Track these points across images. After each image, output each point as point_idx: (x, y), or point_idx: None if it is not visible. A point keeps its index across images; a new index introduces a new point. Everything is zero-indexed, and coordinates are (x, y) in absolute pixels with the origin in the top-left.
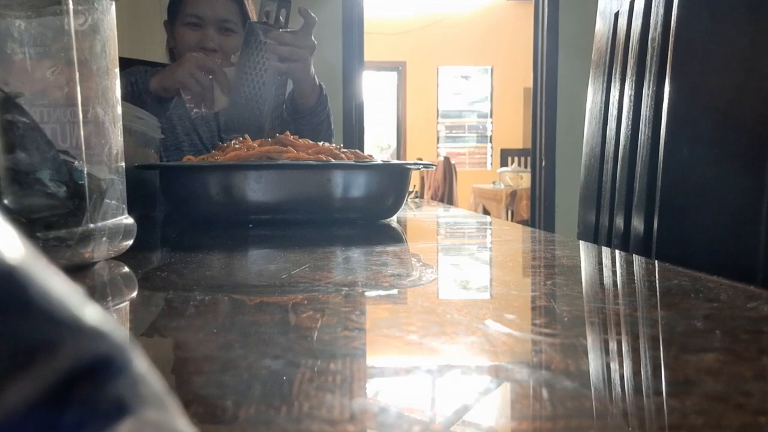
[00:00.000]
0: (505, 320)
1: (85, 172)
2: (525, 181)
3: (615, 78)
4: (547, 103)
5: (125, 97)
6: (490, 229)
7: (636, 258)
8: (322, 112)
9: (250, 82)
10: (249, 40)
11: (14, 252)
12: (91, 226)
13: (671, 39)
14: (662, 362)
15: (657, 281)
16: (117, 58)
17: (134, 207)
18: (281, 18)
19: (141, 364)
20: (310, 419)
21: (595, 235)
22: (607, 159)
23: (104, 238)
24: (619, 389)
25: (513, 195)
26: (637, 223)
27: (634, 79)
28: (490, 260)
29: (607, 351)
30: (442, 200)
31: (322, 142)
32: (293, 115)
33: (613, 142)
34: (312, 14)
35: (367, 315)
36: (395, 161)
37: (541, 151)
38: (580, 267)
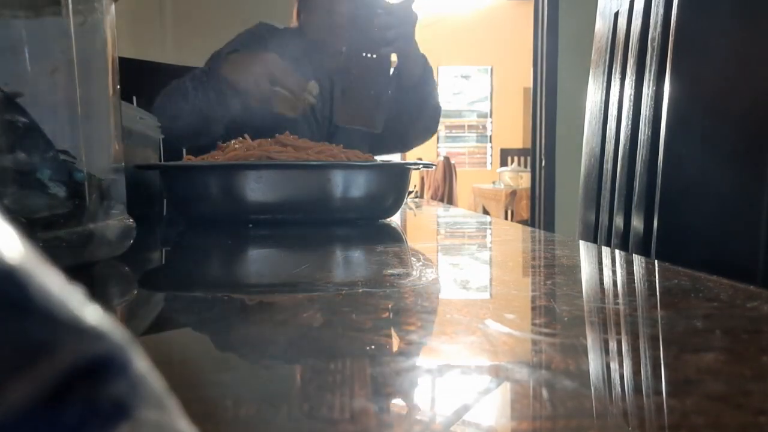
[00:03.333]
0: (505, 320)
1: (85, 172)
2: (525, 180)
3: (615, 78)
4: (547, 103)
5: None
6: (490, 229)
7: (636, 258)
8: (427, 85)
9: (361, 73)
10: (355, 31)
11: (14, 252)
12: (91, 226)
13: (671, 39)
14: (662, 362)
15: (657, 281)
16: (117, 58)
17: (134, 207)
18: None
19: (141, 364)
20: (310, 419)
21: (595, 234)
22: (607, 159)
23: (104, 238)
24: (619, 389)
25: (513, 195)
26: (637, 223)
27: (633, 78)
28: (490, 260)
29: (607, 351)
30: (442, 200)
31: (322, 142)
32: (396, 93)
33: (613, 141)
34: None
35: (367, 315)
36: (395, 161)
37: (541, 150)
38: (580, 267)
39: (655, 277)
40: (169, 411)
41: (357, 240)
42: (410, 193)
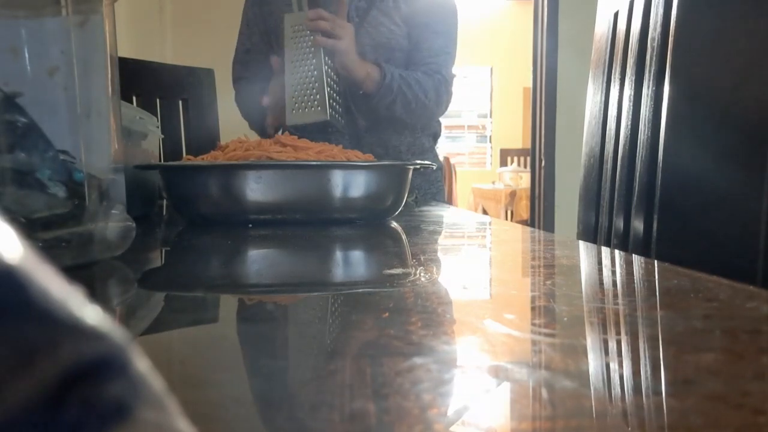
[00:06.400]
0: (505, 320)
1: (85, 172)
2: (525, 180)
3: (614, 78)
4: (547, 103)
5: None
6: (490, 229)
7: (636, 258)
8: (388, 93)
9: (300, 69)
10: (289, 30)
11: (13, 252)
12: (91, 226)
13: (671, 39)
14: (662, 362)
15: (656, 281)
16: (117, 58)
17: (134, 207)
18: (306, 6)
19: (141, 364)
20: (310, 419)
21: (595, 235)
22: (607, 159)
23: (104, 238)
24: (619, 389)
25: (512, 195)
26: (637, 223)
27: (633, 79)
28: (490, 260)
29: (606, 351)
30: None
31: (323, 142)
32: (365, 100)
33: (612, 142)
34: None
35: (368, 315)
36: (395, 161)
37: (541, 150)
38: (579, 267)
39: (654, 277)
40: (168, 411)
41: (357, 240)
42: (414, 193)
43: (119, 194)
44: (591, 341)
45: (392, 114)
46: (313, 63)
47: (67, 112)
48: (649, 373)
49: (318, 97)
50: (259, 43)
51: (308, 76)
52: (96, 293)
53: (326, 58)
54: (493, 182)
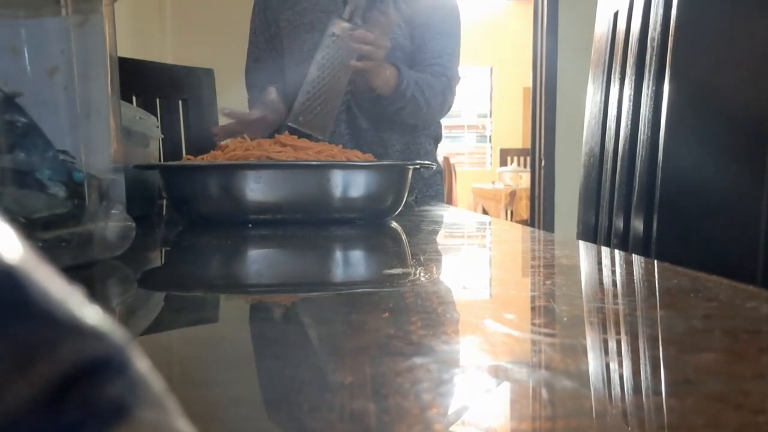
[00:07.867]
0: (505, 320)
1: (85, 172)
2: (525, 180)
3: (614, 78)
4: (547, 103)
5: None
6: (490, 229)
7: (635, 258)
8: (401, 100)
9: (324, 76)
10: (330, 34)
11: (13, 252)
12: (91, 226)
13: (670, 39)
14: (662, 362)
15: (656, 281)
16: (117, 58)
17: (134, 207)
18: (359, 18)
19: (140, 364)
20: (310, 419)
21: (595, 235)
22: (607, 159)
23: (104, 238)
24: (619, 389)
25: (512, 195)
26: (637, 223)
27: (633, 78)
28: (490, 260)
29: (606, 351)
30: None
31: (323, 142)
32: (373, 101)
33: (612, 141)
34: (392, 17)
35: (367, 315)
36: (395, 161)
37: (541, 150)
38: (579, 267)
39: (654, 277)
40: (168, 411)
41: (357, 240)
42: (413, 193)
43: (119, 194)
44: (591, 341)
45: (399, 117)
46: (339, 79)
47: (67, 112)
48: (649, 373)
49: (328, 115)
50: (266, 50)
51: (327, 90)
52: (96, 293)
53: (352, 76)
54: (493, 182)
